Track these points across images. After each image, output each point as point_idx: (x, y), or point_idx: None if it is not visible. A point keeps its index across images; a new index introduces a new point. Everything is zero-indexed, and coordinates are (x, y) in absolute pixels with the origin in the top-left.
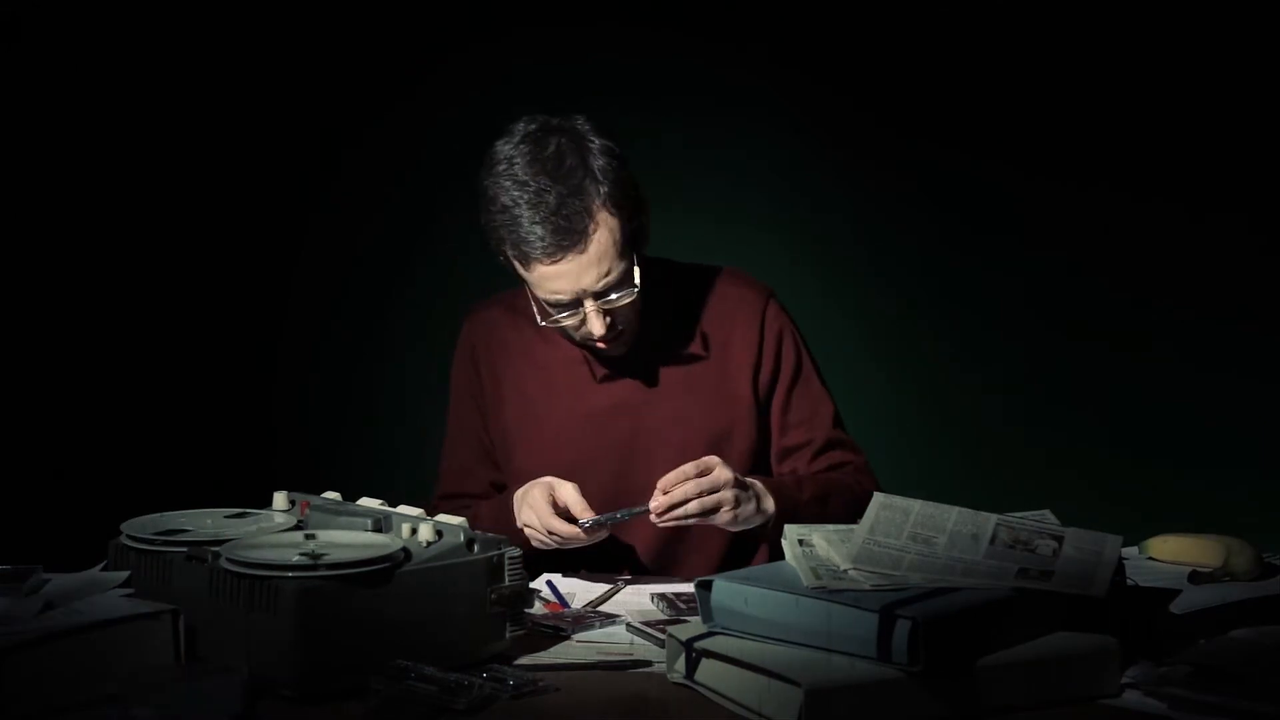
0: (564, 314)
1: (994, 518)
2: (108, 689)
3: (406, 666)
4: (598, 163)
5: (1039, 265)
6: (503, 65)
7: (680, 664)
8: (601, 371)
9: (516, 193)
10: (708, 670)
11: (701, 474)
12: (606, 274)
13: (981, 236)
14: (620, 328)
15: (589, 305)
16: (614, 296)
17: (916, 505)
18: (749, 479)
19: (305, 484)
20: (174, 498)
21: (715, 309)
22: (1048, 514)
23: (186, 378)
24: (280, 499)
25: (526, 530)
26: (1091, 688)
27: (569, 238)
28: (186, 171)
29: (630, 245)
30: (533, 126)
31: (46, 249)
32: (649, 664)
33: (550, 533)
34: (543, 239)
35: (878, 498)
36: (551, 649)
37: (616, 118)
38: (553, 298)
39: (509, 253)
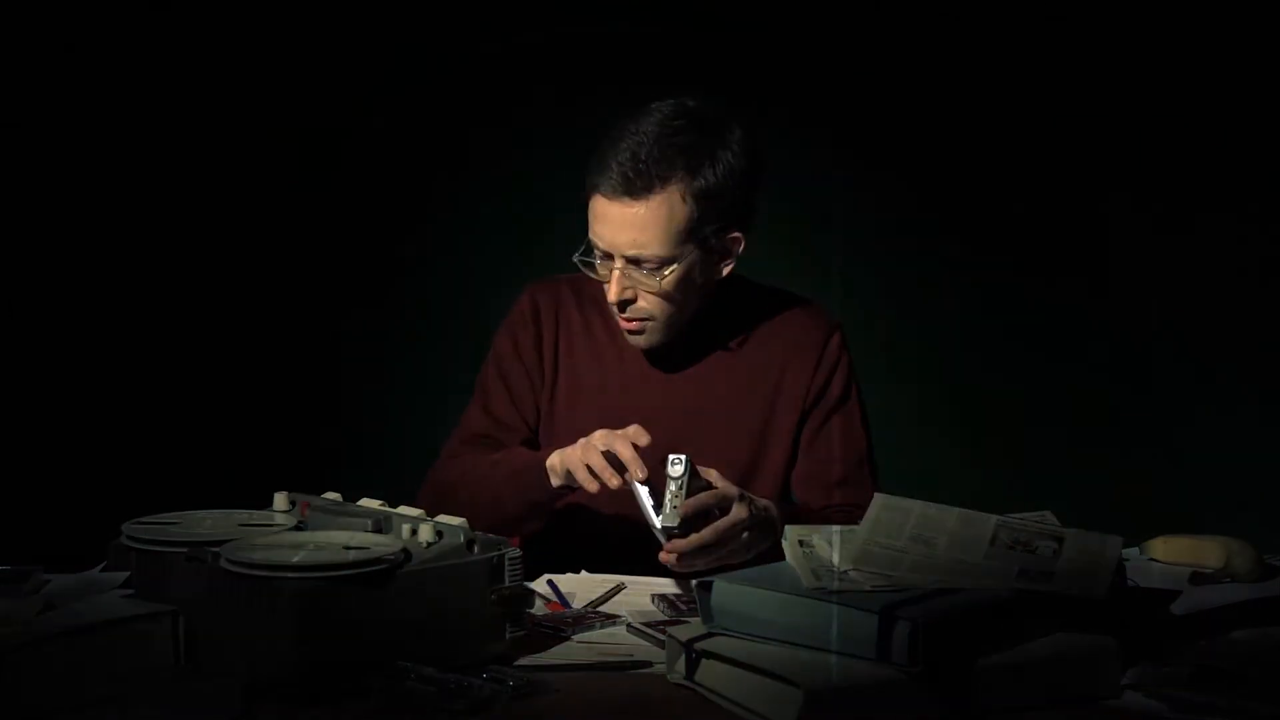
0: (595, 258)
1: (994, 519)
2: (108, 689)
3: (406, 667)
4: (708, 160)
5: (1040, 266)
6: (507, 68)
7: (680, 664)
8: (654, 374)
9: (628, 129)
10: (708, 671)
11: (721, 509)
12: (644, 245)
13: (982, 237)
14: (643, 316)
15: (616, 264)
16: (640, 272)
17: (917, 506)
18: (769, 509)
19: (305, 484)
20: (174, 498)
21: (780, 338)
22: (1048, 514)
23: (187, 378)
24: (280, 499)
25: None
26: (1091, 688)
27: (628, 186)
28: (186, 171)
29: (694, 243)
30: (692, 105)
31: (47, 248)
32: (649, 664)
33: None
34: (609, 172)
35: (878, 498)
36: (551, 649)
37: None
38: (593, 238)
39: (588, 179)
